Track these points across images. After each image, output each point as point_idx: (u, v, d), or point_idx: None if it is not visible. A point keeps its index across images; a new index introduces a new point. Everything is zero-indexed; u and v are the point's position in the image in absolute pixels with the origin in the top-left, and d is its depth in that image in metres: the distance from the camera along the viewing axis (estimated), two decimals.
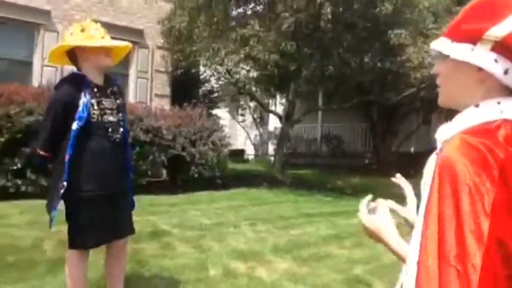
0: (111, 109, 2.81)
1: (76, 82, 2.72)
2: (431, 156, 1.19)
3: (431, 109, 17.16)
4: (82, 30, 2.70)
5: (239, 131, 19.08)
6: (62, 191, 2.61)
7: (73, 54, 2.78)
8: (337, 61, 11.47)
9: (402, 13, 9.78)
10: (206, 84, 17.10)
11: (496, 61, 1.13)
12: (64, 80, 2.80)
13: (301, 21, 9.88)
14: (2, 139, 6.40)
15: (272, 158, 14.01)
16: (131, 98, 10.47)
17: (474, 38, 1.15)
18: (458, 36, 1.18)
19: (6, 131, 6.46)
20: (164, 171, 9.17)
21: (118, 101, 2.90)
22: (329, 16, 9.25)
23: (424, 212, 1.08)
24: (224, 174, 9.32)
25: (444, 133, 1.18)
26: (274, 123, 18.15)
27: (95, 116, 2.71)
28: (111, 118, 2.79)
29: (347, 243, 5.36)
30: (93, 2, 10.76)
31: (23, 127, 6.55)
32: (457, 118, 1.19)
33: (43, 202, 5.86)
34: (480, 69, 1.15)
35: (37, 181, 6.55)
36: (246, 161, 17.99)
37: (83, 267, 2.83)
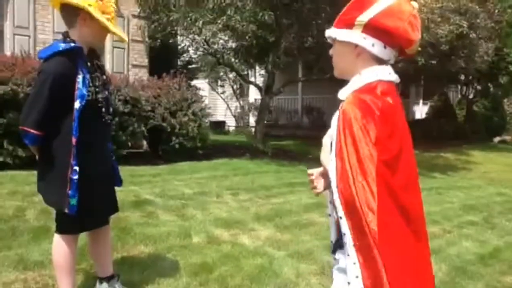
0: (99, 85, 2.59)
1: (71, 55, 2.45)
2: (336, 112, 1.66)
3: (409, 82, 17.34)
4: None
5: (219, 103, 18.97)
6: (75, 176, 2.41)
7: (72, 11, 2.47)
8: (316, 33, 11.37)
9: None
10: (185, 55, 16.86)
11: (364, 38, 1.66)
12: (59, 52, 2.44)
13: None
14: None
15: (253, 130, 14.01)
16: (107, 68, 10.17)
17: (350, 25, 1.68)
18: (341, 24, 1.72)
19: None
20: (145, 142, 9.10)
21: (104, 76, 2.67)
22: None
23: (335, 148, 1.60)
24: (205, 145, 9.29)
25: (343, 94, 1.68)
26: (254, 95, 18.11)
27: (90, 93, 2.49)
28: (101, 95, 2.58)
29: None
30: None
31: None
32: (349, 84, 1.70)
33: (22, 173, 5.88)
34: (356, 46, 1.68)
35: (15, 152, 6.42)
36: (227, 132, 17.99)
37: (73, 251, 2.65)
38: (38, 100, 2.43)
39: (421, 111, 21.76)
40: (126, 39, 2.72)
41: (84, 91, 2.43)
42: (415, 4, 1.70)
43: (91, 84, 2.50)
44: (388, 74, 1.69)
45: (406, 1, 1.68)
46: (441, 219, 5.81)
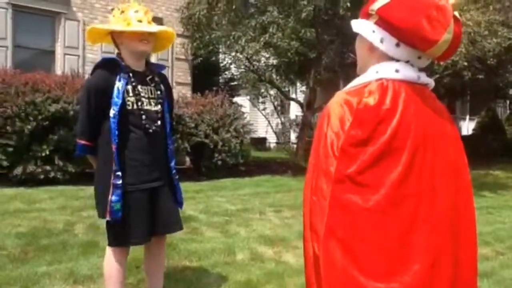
0: (148, 97, 2.64)
1: (111, 67, 2.58)
2: None
3: (455, 97, 16.89)
4: (122, 12, 2.55)
5: (260, 119, 19.05)
6: (118, 181, 2.46)
7: (111, 38, 2.67)
8: None
9: None
10: (226, 72, 17.10)
11: (373, 31, 1.40)
12: (98, 65, 2.64)
13: (320, 8, 9.76)
14: (29, 127, 6.49)
15: (294, 146, 13.98)
16: None
17: (367, 15, 1.43)
18: (362, 14, 1.46)
19: (33, 119, 6.55)
20: (188, 159, 9.23)
21: (158, 91, 2.72)
22: (348, 4, 9.13)
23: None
24: (247, 161, 9.34)
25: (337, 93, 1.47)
26: (295, 111, 18.10)
27: (130, 103, 2.53)
28: (147, 107, 2.62)
29: None
30: None
31: (49, 115, 6.64)
32: (352, 82, 1.46)
33: (72, 188, 6.07)
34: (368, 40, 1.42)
35: (65, 167, 6.66)
36: (268, 149, 18.01)
37: (122, 265, 2.66)
38: (80, 112, 2.66)
39: (467, 127, 21.11)
40: (164, 28, 2.72)
41: (118, 99, 2.50)
42: None
43: (131, 94, 2.56)
44: (393, 71, 1.37)
45: None
46: (492, 240, 5.55)
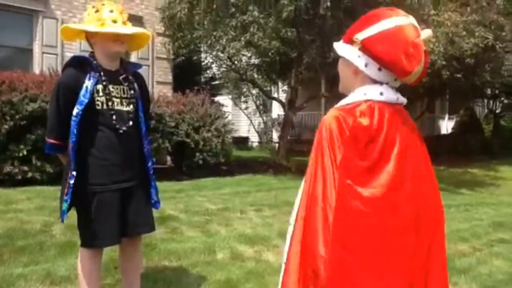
0: (120, 97, 2.60)
1: (81, 65, 2.54)
2: None
3: (434, 96, 17.09)
4: (96, 11, 2.51)
5: (242, 118, 19.04)
6: (71, 181, 2.43)
7: (84, 37, 2.63)
8: None
9: None
10: (208, 71, 17.06)
11: (359, 56, 1.60)
12: (68, 64, 2.60)
13: (301, 8, 9.80)
14: (6, 126, 6.38)
15: (276, 145, 14.01)
16: None
17: (350, 40, 1.62)
18: (345, 39, 1.67)
19: (10, 118, 6.44)
20: (169, 158, 9.17)
21: (132, 90, 2.66)
22: (328, 4, 9.18)
23: (309, 162, 1.59)
24: (228, 160, 9.33)
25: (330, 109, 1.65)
26: (277, 110, 18.14)
27: (99, 103, 2.50)
28: (118, 107, 2.57)
29: None
30: None
31: (27, 114, 6.53)
32: (341, 101, 1.65)
33: (50, 188, 5.99)
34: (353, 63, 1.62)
35: (43, 167, 6.56)
36: (250, 148, 18.02)
37: (95, 266, 2.63)
38: (50, 110, 2.62)
39: (446, 126, 21.42)
40: (140, 30, 2.72)
41: (85, 98, 2.46)
42: (427, 33, 1.60)
43: (101, 93, 2.52)
44: (378, 94, 1.59)
45: (411, 27, 1.58)
46: (470, 236, 5.65)
